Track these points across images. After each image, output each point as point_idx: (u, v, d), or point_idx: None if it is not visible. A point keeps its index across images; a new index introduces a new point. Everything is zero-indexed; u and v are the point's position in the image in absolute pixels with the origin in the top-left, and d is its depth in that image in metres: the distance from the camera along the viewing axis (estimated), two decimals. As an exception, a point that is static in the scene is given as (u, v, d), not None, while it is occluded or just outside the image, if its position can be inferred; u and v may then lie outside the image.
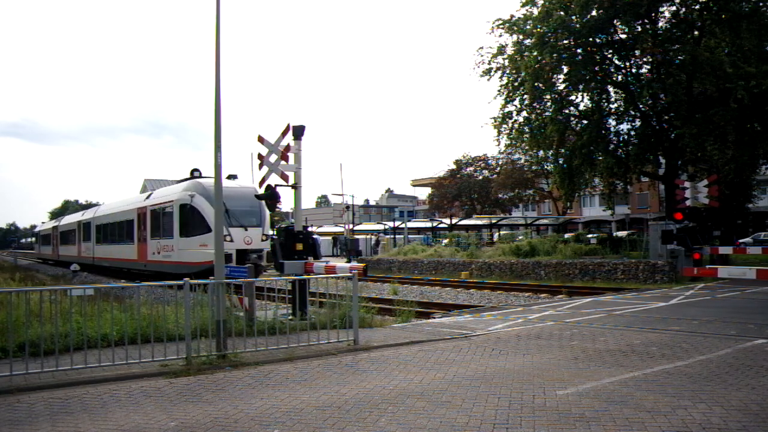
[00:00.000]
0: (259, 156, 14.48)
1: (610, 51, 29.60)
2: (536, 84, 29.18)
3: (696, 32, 28.14)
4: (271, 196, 14.81)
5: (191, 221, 26.57)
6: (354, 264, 12.27)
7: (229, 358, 9.64)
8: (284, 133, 14.15)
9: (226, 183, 24.61)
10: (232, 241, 24.62)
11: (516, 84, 30.66)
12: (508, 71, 30.98)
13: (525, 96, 30.49)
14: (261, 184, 14.81)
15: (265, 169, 14.50)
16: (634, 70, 30.34)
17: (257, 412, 6.93)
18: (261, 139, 14.31)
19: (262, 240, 26.73)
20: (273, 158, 14.25)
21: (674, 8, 28.38)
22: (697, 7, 27.74)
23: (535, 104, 31.02)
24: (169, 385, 8.29)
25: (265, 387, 8.10)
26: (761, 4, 27.01)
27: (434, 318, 14.58)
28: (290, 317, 12.46)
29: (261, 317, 11.59)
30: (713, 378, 8.01)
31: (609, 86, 30.66)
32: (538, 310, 15.88)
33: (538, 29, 28.33)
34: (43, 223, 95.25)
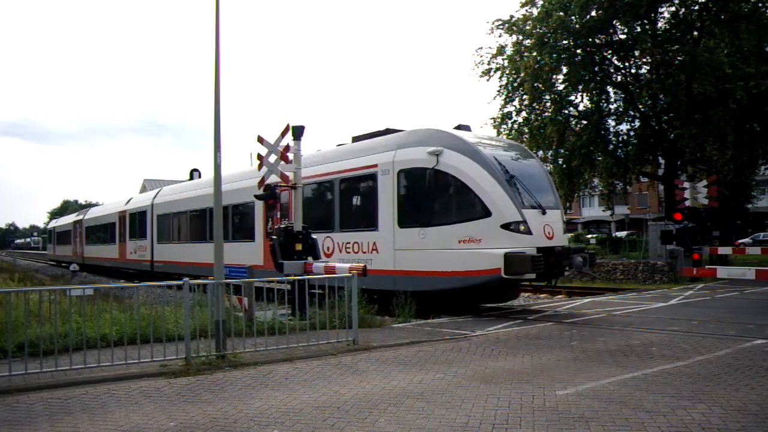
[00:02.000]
0: (259, 156, 14.49)
1: (610, 51, 29.60)
2: (536, 84, 29.18)
3: (695, 33, 28.15)
4: (271, 197, 14.82)
5: (459, 196, 15.26)
6: (353, 264, 12.26)
7: (228, 358, 9.63)
8: (284, 134, 14.16)
9: (479, 139, 16.32)
10: (529, 233, 14.20)
11: (515, 84, 30.66)
12: (507, 72, 30.97)
13: (524, 96, 30.50)
14: (260, 184, 14.82)
15: (264, 169, 14.50)
16: (633, 71, 30.36)
17: (256, 413, 6.92)
18: (261, 140, 14.32)
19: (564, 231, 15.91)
20: (272, 158, 14.26)
21: (673, 9, 28.39)
22: (697, 7, 27.77)
23: (534, 105, 31.03)
24: (169, 385, 8.28)
25: (264, 387, 8.10)
26: (760, 4, 27.04)
27: (434, 319, 14.56)
28: (290, 317, 12.45)
29: (260, 317, 11.59)
30: (713, 378, 8.00)
31: (608, 87, 30.66)
32: (537, 311, 15.87)
33: (538, 30, 28.34)
34: (52, 219, 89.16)
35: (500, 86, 31.40)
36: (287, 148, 14.20)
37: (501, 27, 30.75)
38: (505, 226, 14.08)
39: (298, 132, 14.56)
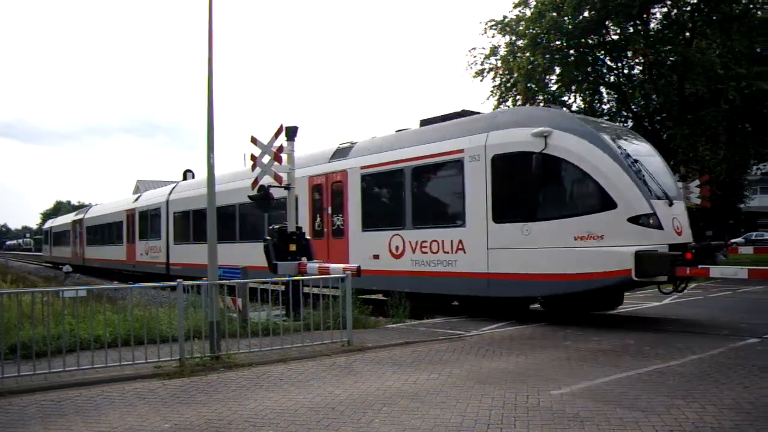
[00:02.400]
0: (252, 157, 14.47)
1: (603, 52, 29.66)
2: (529, 85, 29.24)
3: (687, 33, 28.24)
4: (264, 197, 14.80)
5: (576, 184, 13.20)
6: (348, 265, 12.26)
7: (222, 359, 9.62)
8: (277, 134, 14.14)
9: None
10: (660, 227, 12.19)
11: (509, 85, 30.72)
12: (500, 72, 31.03)
13: (518, 97, 30.53)
14: (254, 185, 14.80)
15: (257, 170, 14.48)
16: (626, 71, 30.43)
17: (251, 414, 6.91)
18: (254, 140, 14.29)
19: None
20: (266, 159, 14.23)
21: (666, 9, 28.47)
22: (689, 8, 27.86)
23: (527, 105, 31.09)
24: (163, 386, 8.26)
25: (258, 388, 8.08)
26: (751, 6, 27.19)
27: (429, 319, 14.57)
28: (284, 318, 12.44)
29: (254, 318, 11.57)
30: (706, 377, 8.04)
31: (601, 87, 30.74)
32: (531, 311, 15.89)
33: (531, 30, 28.36)
34: (45, 220, 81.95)
35: (493, 86, 31.47)
36: (281, 148, 14.18)
37: (494, 27, 30.81)
38: (633, 220, 12.08)
39: (291, 132, 14.54)
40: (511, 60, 29.89)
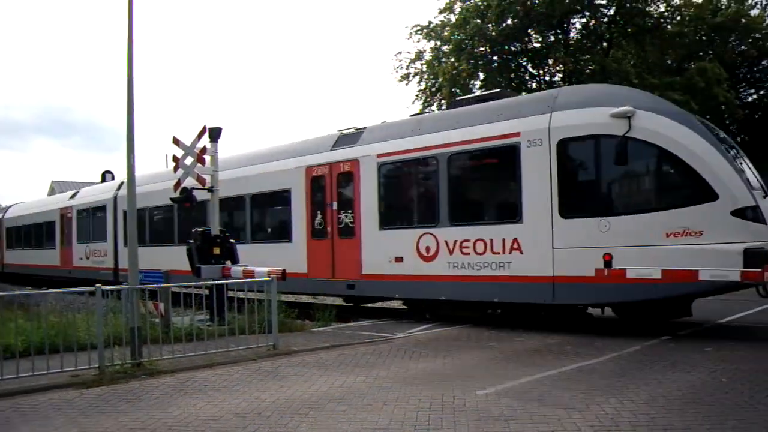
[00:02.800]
0: (174, 158, 14.12)
1: (525, 59, 30.50)
2: (453, 89, 29.73)
3: (605, 44, 29.36)
4: (187, 200, 14.47)
5: (668, 173, 11.61)
6: (273, 268, 12.12)
7: (144, 366, 9.33)
8: (200, 135, 13.85)
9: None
10: (764, 222, 10.57)
11: (434, 89, 31.16)
12: (426, 76, 31.45)
13: (443, 101, 31.00)
14: (176, 187, 14.44)
15: (180, 171, 14.15)
16: (547, 78, 31.34)
17: (175, 421, 6.73)
18: (176, 141, 13.95)
19: None
20: (189, 160, 13.92)
21: (584, 20, 29.53)
22: (606, 20, 28.99)
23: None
24: (81, 396, 7.95)
25: (182, 395, 7.89)
26: (662, 20, 28.57)
27: (355, 322, 14.57)
28: (208, 323, 12.19)
29: (178, 323, 11.28)
30: (624, 374, 8.33)
31: (524, 93, 31.57)
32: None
33: (456, 36, 28.90)
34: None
35: (419, 90, 31.86)
36: (204, 149, 13.89)
37: (419, 33, 31.21)
38: (737, 213, 10.50)
39: (215, 134, 14.25)
40: (436, 65, 30.37)
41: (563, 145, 11.87)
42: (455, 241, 13.09)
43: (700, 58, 30.13)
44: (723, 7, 30.69)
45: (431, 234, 13.52)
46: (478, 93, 15.82)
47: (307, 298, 18.14)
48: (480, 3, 28.44)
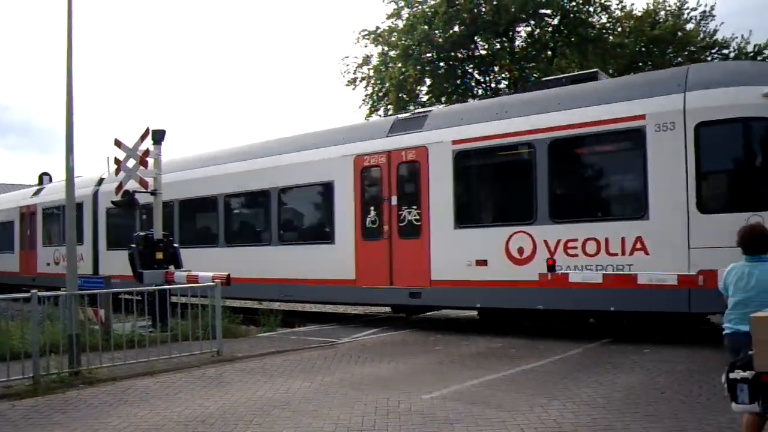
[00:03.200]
0: (116, 160, 13.81)
1: (471, 66, 30.83)
2: (400, 95, 29.86)
3: (549, 52, 29.92)
4: (129, 203, 14.15)
5: None
6: (217, 273, 11.94)
7: (83, 374, 9.05)
8: (143, 137, 13.57)
9: None
10: None
11: (381, 94, 31.25)
12: (372, 81, 31.52)
13: (389, 106, 31.11)
14: (118, 190, 14.10)
15: (122, 174, 13.83)
16: (493, 85, 31.75)
17: (114, 431, 6.55)
18: (118, 143, 13.64)
19: None
20: (131, 163, 13.63)
21: (529, 29, 30.05)
22: (550, 29, 29.56)
23: (398, 114, 31.75)
24: (12, 408, 7.65)
25: (123, 404, 7.68)
26: (604, 30, 29.35)
27: (300, 327, 14.47)
28: (150, 329, 11.92)
29: (119, 330, 10.99)
30: (566, 376, 8.49)
31: (470, 99, 31.92)
32: (402, 318, 16.16)
33: (403, 41, 29.04)
34: None
35: (366, 95, 31.90)
36: (147, 152, 13.60)
37: (367, 37, 31.25)
38: None
39: (158, 136, 13.96)
40: (383, 70, 30.45)
41: (703, 129, 10.26)
42: (558, 241, 11.22)
43: (640, 68, 30.99)
44: (661, 20, 31.72)
45: (526, 233, 11.60)
46: (569, 74, 14.20)
47: (253, 303, 17.79)
48: (427, 9, 28.68)
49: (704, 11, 32.04)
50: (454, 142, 12.63)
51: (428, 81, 30.31)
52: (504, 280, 11.80)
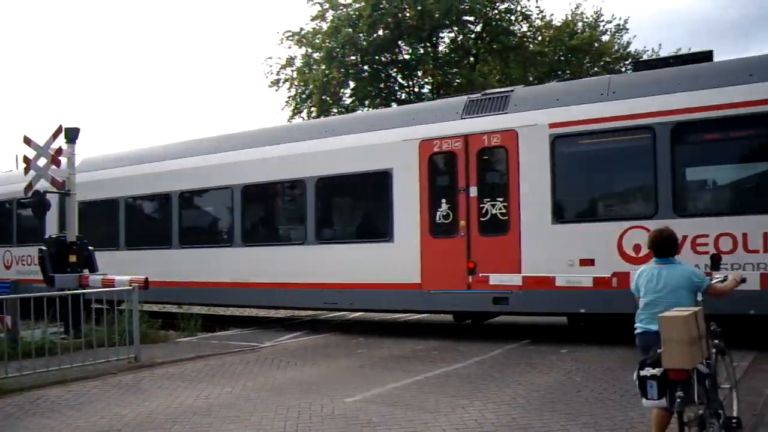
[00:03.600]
0: (25, 159, 13.18)
1: (395, 70, 31.08)
2: (324, 97, 29.80)
3: (472, 59, 30.51)
4: (39, 204, 13.55)
5: None
6: (134, 277, 11.56)
7: (-14, 385, 8.59)
8: (55, 135, 13.01)
9: None
10: None
11: (304, 96, 31.10)
12: (296, 83, 31.32)
13: (313, 108, 31.00)
14: (27, 190, 13.47)
15: (32, 173, 13.22)
16: (416, 89, 32.09)
17: (21, 443, 6.26)
18: (27, 141, 13.04)
19: None
20: (42, 162, 13.04)
21: (453, 35, 30.55)
22: (473, 36, 30.15)
23: (322, 117, 31.68)
24: None
25: (31, 416, 7.33)
26: (525, 39, 30.17)
27: (222, 331, 14.19)
28: (62, 336, 11.44)
29: (27, 337, 10.49)
30: (487, 377, 8.65)
31: (393, 103, 32.15)
32: (325, 321, 16.13)
33: (327, 44, 29.00)
34: None
35: (289, 97, 31.68)
36: (59, 150, 13.05)
37: (291, 38, 31.04)
38: None
39: (72, 134, 13.39)
40: (306, 72, 30.31)
41: None
42: (684, 237, 9.58)
43: (559, 76, 32.04)
44: (579, 31, 32.93)
45: (645, 228, 9.76)
46: (680, 54, 12.92)
47: (171, 307, 17.33)
48: (352, 12, 28.74)
49: (618, 24, 33.55)
50: (552, 125, 11.08)
51: (352, 84, 30.35)
52: (613, 283, 10.40)
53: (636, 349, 5.45)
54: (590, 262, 10.59)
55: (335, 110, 31.28)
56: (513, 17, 29.81)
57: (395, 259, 12.25)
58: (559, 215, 11.07)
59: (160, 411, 7.32)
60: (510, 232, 11.31)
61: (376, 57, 29.44)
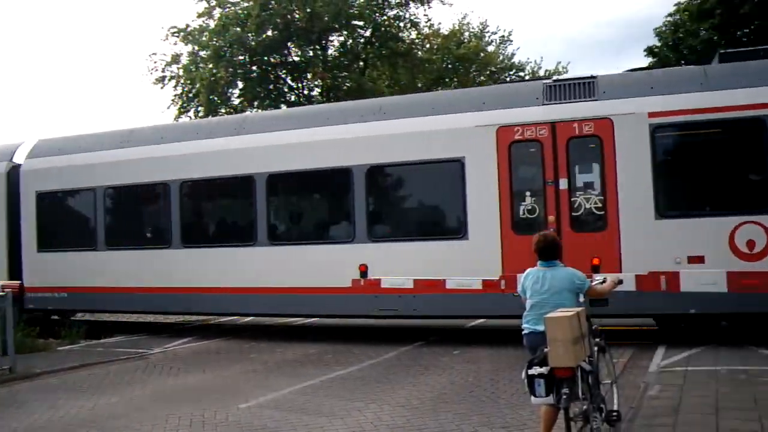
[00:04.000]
0: None
1: (285, 72, 30.85)
2: (211, 97, 29.15)
3: (361, 63, 30.78)
4: None
5: None
6: (7, 282, 10.91)
7: None
8: None
9: None
10: None
11: (191, 95, 30.28)
12: (182, 81, 30.44)
13: (200, 108, 30.25)
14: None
15: None
16: (306, 92, 32.00)
17: None
18: None
19: None
20: None
21: (342, 39, 30.68)
22: (362, 40, 30.43)
23: (210, 117, 30.97)
24: None
25: None
26: (413, 46, 30.80)
27: (107, 338, 13.58)
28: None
29: None
30: (382, 379, 8.79)
31: (283, 105, 31.89)
32: (218, 325, 15.82)
33: (214, 42, 28.38)
34: None
35: (175, 95, 30.73)
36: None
37: (176, 35, 30.11)
38: None
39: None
40: (193, 70, 29.52)
41: None
42: None
43: (446, 84, 32.99)
44: (466, 40, 34.05)
45: (759, 223, 9.67)
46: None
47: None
48: (240, 12, 28.27)
49: (503, 36, 34.98)
50: (652, 114, 10.34)
51: (240, 84, 29.87)
52: (723, 285, 9.85)
53: (524, 349, 5.71)
54: (699, 260, 9.97)
55: (223, 110, 30.69)
56: (402, 24, 30.32)
57: (470, 259, 11.01)
58: (662, 210, 10.28)
59: (39, 425, 6.96)
60: (608, 228, 10.53)
61: (265, 58, 29.10)
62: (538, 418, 5.49)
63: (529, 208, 10.92)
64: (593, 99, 10.88)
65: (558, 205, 10.70)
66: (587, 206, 10.68)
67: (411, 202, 12.41)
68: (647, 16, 66.37)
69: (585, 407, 5.20)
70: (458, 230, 11.26)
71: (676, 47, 22.96)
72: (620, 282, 6.38)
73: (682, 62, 21.50)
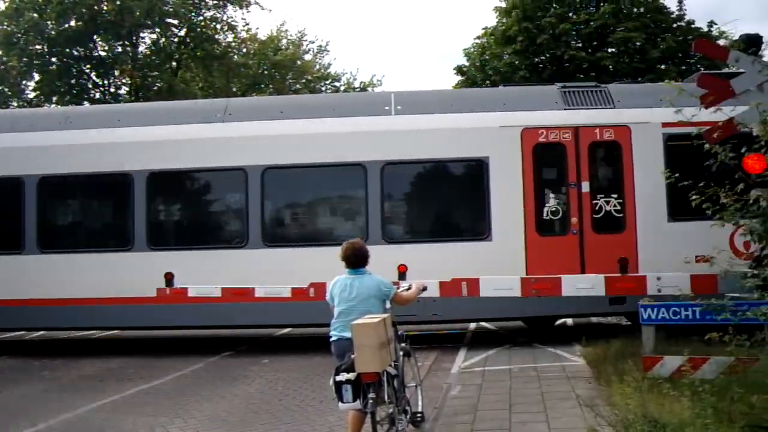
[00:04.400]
0: None
1: (89, 66, 28.89)
2: (1, 88, 26.62)
3: (174, 63, 29.60)
4: None
5: None
6: None
7: None
8: None
9: None
10: None
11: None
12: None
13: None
14: None
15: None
16: (113, 90, 30.17)
17: None
18: None
19: None
20: None
21: (155, 36, 29.32)
22: (176, 40, 29.28)
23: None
24: None
25: None
26: (229, 49, 30.15)
27: None
28: None
29: None
30: (188, 392, 8.45)
31: (86, 102, 29.81)
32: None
33: (6, 27, 25.89)
34: None
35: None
36: None
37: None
38: None
39: None
40: (-19, 55, 26.72)
41: None
42: None
43: (262, 89, 32.63)
44: (283, 47, 33.94)
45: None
46: None
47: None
48: (37, -5, 26.01)
49: (320, 45, 35.35)
50: (665, 124, 10.43)
51: (37, 76, 27.54)
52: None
53: (332, 356, 5.76)
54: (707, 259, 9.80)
55: (15, 104, 28.08)
56: (218, 26, 29.62)
57: (494, 260, 10.78)
58: (675, 213, 10.64)
59: None
60: (626, 230, 10.87)
61: (67, 50, 27.02)
62: (347, 424, 5.56)
63: (554, 209, 11.04)
64: (610, 107, 11.26)
65: (580, 208, 10.89)
66: (607, 208, 10.93)
67: (431, 202, 11.96)
68: (459, 36, 70.89)
69: (391, 410, 5.36)
70: (483, 232, 11.07)
71: (483, 68, 24.46)
72: (425, 289, 6.66)
73: (488, 83, 23.06)
